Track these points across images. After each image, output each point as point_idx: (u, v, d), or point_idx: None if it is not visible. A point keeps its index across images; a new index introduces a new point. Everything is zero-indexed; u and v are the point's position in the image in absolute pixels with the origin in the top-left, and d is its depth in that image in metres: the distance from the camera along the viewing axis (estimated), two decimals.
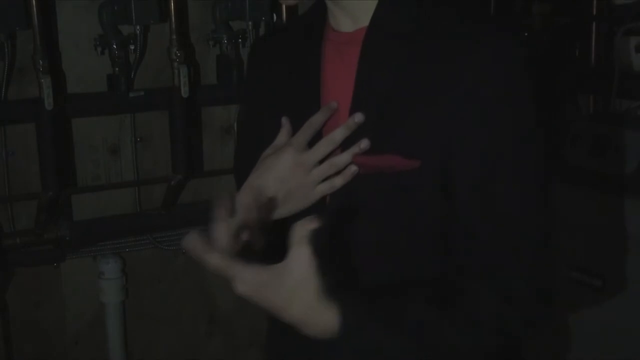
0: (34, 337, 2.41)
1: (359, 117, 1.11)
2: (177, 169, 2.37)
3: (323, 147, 1.13)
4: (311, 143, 1.15)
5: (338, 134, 1.12)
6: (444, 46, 1.09)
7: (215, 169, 2.51)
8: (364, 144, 1.10)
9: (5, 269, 2.30)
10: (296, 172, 1.14)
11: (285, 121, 1.17)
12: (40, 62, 2.09)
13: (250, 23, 2.41)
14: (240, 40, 2.45)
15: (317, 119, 1.14)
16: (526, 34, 2.73)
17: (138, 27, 2.28)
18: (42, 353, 2.43)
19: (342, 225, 1.15)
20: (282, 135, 1.17)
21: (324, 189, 1.14)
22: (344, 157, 1.12)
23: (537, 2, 2.75)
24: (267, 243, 1.20)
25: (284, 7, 2.37)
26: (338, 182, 1.13)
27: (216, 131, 2.55)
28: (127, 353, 2.52)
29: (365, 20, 1.15)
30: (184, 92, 2.30)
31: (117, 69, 2.29)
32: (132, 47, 2.31)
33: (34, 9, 2.07)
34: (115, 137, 2.41)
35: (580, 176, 2.31)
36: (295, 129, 1.16)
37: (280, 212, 1.16)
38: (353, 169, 1.12)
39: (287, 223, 1.18)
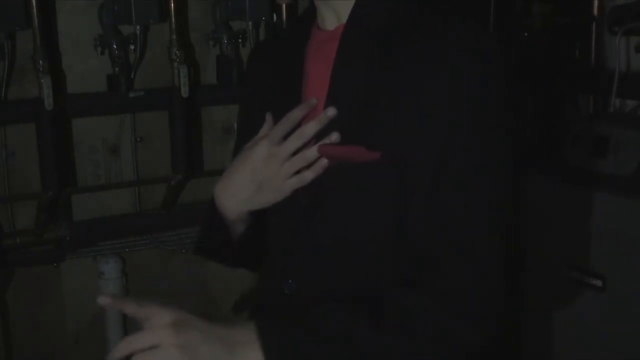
0: (34, 337, 2.41)
1: (331, 112, 1.13)
2: (177, 169, 2.37)
3: (295, 140, 1.15)
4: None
5: (310, 128, 1.14)
6: (418, 45, 1.11)
7: (216, 169, 2.51)
8: (334, 136, 1.12)
9: (5, 269, 2.30)
10: (268, 164, 1.16)
11: (268, 116, 1.19)
12: (40, 62, 2.09)
13: (250, 23, 2.41)
14: (240, 40, 2.46)
15: (294, 114, 1.16)
16: (526, 34, 2.74)
17: (138, 27, 2.28)
18: (42, 353, 2.43)
19: (310, 221, 1.17)
20: (264, 130, 1.19)
21: (295, 182, 1.16)
22: (312, 151, 1.14)
23: (537, 2, 2.75)
24: (240, 236, 1.23)
25: (283, 6, 2.37)
26: (308, 175, 1.15)
27: (216, 131, 2.55)
28: None
29: (345, 18, 1.18)
30: (184, 92, 2.30)
31: (117, 69, 2.29)
32: (132, 47, 2.31)
33: (34, 9, 2.07)
34: (115, 137, 2.41)
35: (580, 176, 2.31)
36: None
37: (252, 204, 1.19)
38: (323, 162, 1.14)
39: (259, 216, 1.22)
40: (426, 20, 1.14)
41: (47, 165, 2.18)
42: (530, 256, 2.43)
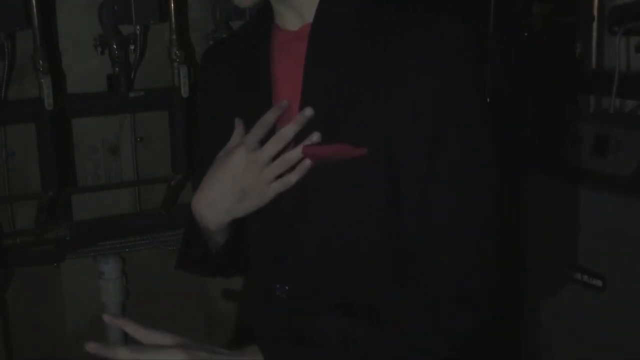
0: (34, 337, 2.41)
1: (308, 112, 1.11)
2: (177, 169, 2.37)
3: (274, 144, 1.13)
4: (265, 142, 1.15)
5: (288, 130, 1.12)
6: (388, 40, 1.11)
7: None
8: (315, 137, 1.11)
9: (5, 269, 2.30)
10: (248, 171, 1.13)
11: (238, 122, 1.17)
12: (40, 62, 2.09)
13: None
14: None
15: (268, 118, 1.13)
16: (526, 34, 2.74)
17: (138, 27, 2.29)
18: (42, 353, 2.43)
19: (297, 223, 1.16)
20: (235, 137, 1.17)
21: (278, 186, 1.14)
22: (296, 152, 1.12)
23: (537, 2, 2.75)
24: (222, 246, 1.22)
25: None
26: (292, 178, 1.13)
27: None
28: None
29: (310, 17, 1.16)
30: (184, 92, 2.30)
31: (117, 69, 2.29)
32: (132, 47, 2.31)
33: (34, 9, 2.07)
34: (115, 137, 2.41)
35: (580, 176, 2.31)
36: (248, 130, 1.15)
37: (236, 212, 1.17)
38: (306, 163, 1.12)
39: (242, 223, 1.21)
40: (393, 15, 1.13)
41: (47, 165, 2.18)
42: (530, 256, 2.42)
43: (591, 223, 2.25)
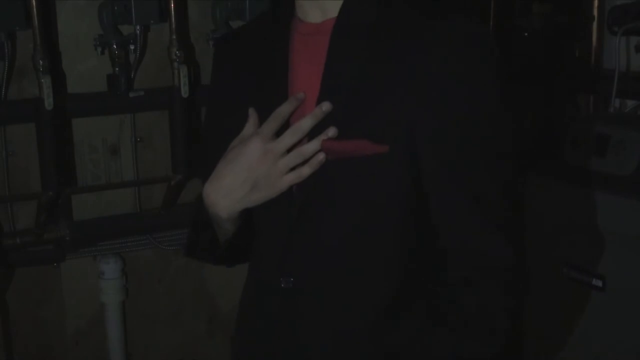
0: (34, 337, 2.41)
1: (326, 106, 1.12)
2: (177, 169, 2.37)
3: (290, 136, 1.13)
4: (279, 134, 1.15)
5: (305, 123, 1.12)
6: (407, 38, 1.12)
7: None
8: (332, 131, 1.11)
9: (5, 269, 2.30)
10: (263, 161, 1.14)
11: (252, 112, 1.17)
12: (40, 62, 2.09)
13: None
14: None
15: (284, 109, 1.14)
16: (526, 34, 2.74)
17: (138, 27, 2.28)
18: (42, 353, 2.43)
19: (309, 215, 1.17)
20: (249, 127, 1.17)
21: (292, 178, 1.14)
22: (312, 146, 1.13)
23: (537, 2, 2.75)
24: (232, 234, 1.23)
25: None
26: (305, 171, 1.14)
27: None
28: (127, 353, 2.52)
29: (333, 12, 1.17)
30: (184, 92, 2.30)
31: (117, 69, 2.29)
32: (132, 47, 2.31)
33: (34, 9, 2.07)
34: (115, 137, 2.41)
35: (580, 176, 2.31)
36: (263, 120, 1.16)
37: (247, 202, 1.17)
38: (320, 157, 1.13)
39: (251, 213, 1.21)
40: (415, 13, 1.14)
41: (47, 165, 2.18)
42: (531, 256, 2.42)
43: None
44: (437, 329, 1.15)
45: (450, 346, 1.14)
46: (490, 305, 1.15)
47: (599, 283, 2.24)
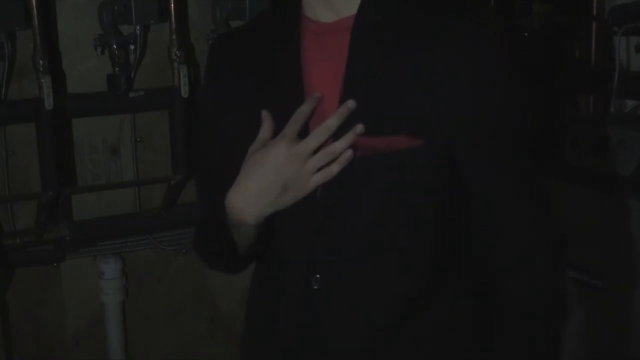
0: (34, 337, 2.41)
1: (351, 104, 1.12)
2: (177, 169, 2.37)
3: (317, 136, 1.12)
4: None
5: (332, 122, 1.12)
6: (429, 31, 1.13)
7: None
8: (359, 128, 1.11)
9: (5, 269, 2.30)
10: (291, 163, 1.13)
11: (266, 114, 1.15)
12: (40, 62, 2.09)
13: None
14: None
15: (304, 110, 1.14)
16: (526, 34, 2.73)
17: (138, 27, 2.28)
18: (42, 353, 2.43)
19: (335, 214, 1.17)
20: (266, 129, 1.15)
21: (320, 178, 1.14)
22: (341, 144, 1.12)
23: (537, 2, 2.75)
24: (255, 237, 1.21)
25: None
26: (334, 169, 1.13)
27: None
28: (127, 353, 2.52)
29: (345, 11, 1.17)
30: (184, 92, 2.30)
31: (117, 69, 2.29)
32: (132, 47, 2.31)
33: (34, 9, 2.07)
34: (115, 137, 2.41)
35: (581, 176, 2.31)
36: (278, 121, 1.15)
37: (276, 206, 1.16)
38: (349, 154, 1.12)
39: (274, 217, 1.20)
40: (433, 9, 1.16)
41: (47, 165, 2.18)
42: None
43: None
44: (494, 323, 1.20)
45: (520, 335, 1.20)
46: (543, 282, 1.20)
47: (599, 283, 2.24)
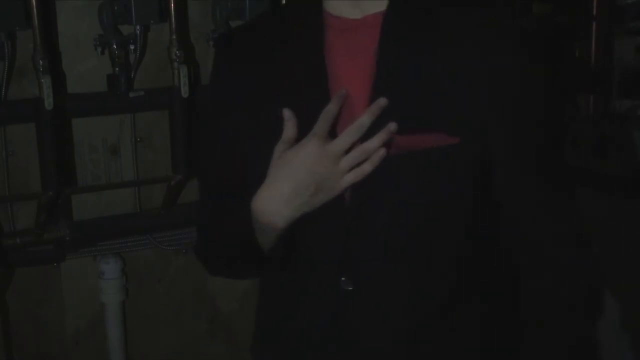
0: (34, 337, 2.41)
1: (383, 102, 1.10)
2: (177, 169, 2.37)
3: (351, 134, 1.10)
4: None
5: (365, 121, 1.10)
6: (462, 26, 1.13)
7: None
8: (393, 126, 1.09)
9: (5, 269, 2.30)
10: (323, 163, 1.10)
11: (288, 113, 1.12)
12: (40, 62, 2.09)
13: None
14: None
15: (332, 108, 1.11)
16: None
17: (138, 27, 2.28)
18: (42, 353, 2.43)
19: (365, 214, 1.15)
20: (290, 128, 1.12)
21: (352, 177, 1.12)
22: (374, 143, 1.10)
23: (537, 2, 2.75)
24: (281, 239, 1.17)
25: None
26: (367, 168, 1.11)
27: None
28: (127, 353, 2.52)
29: (371, 7, 1.16)
30: (184, 92, 2.30)
31: (117, 69, 2.29)
32: (132, 47, 2.31)
33: (34, 9, 2.07)
34: (115, 137, 2.41)
35: (581, 176, 2.31)
36: (302, 119, 1.12)
37: (308, 207, 1.13)
38: (381, 152, 1.10)
39: (300, 219, 1.17)
40: (458, 2, 1.16)
41: (47, 165, 2.18)
42: None
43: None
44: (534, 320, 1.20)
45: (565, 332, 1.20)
46: (579, 274, 1.22)
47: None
